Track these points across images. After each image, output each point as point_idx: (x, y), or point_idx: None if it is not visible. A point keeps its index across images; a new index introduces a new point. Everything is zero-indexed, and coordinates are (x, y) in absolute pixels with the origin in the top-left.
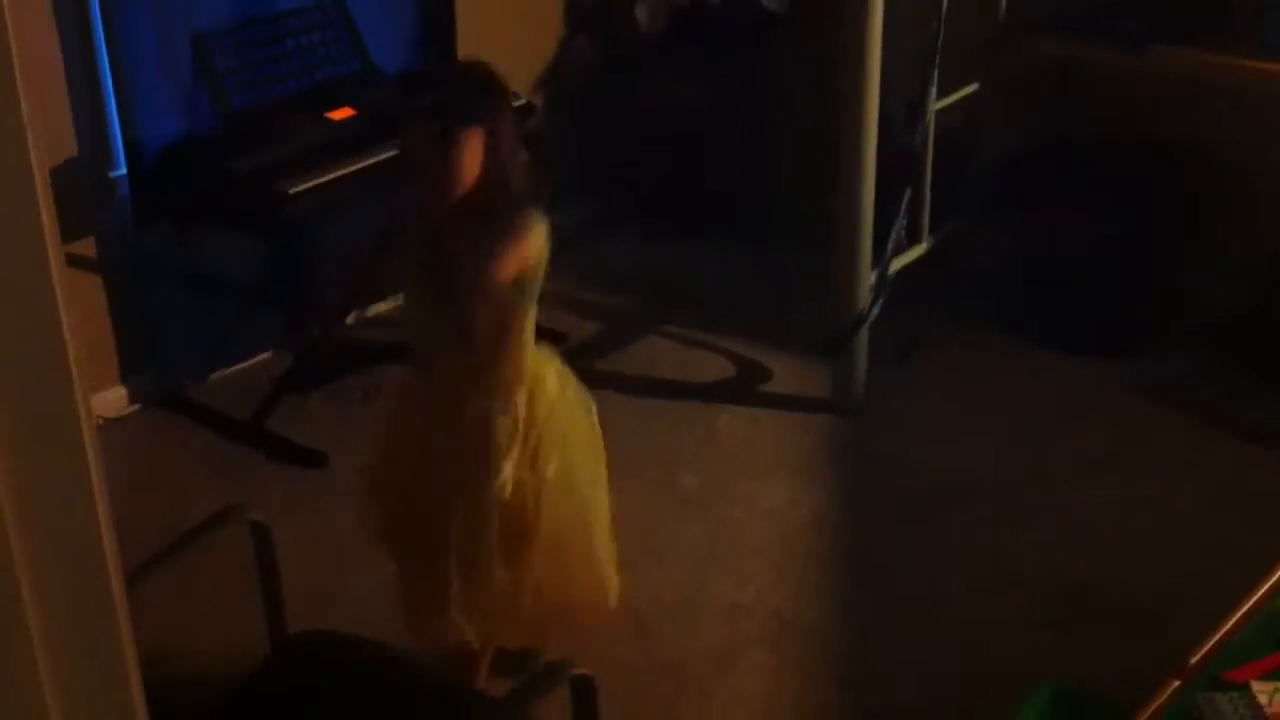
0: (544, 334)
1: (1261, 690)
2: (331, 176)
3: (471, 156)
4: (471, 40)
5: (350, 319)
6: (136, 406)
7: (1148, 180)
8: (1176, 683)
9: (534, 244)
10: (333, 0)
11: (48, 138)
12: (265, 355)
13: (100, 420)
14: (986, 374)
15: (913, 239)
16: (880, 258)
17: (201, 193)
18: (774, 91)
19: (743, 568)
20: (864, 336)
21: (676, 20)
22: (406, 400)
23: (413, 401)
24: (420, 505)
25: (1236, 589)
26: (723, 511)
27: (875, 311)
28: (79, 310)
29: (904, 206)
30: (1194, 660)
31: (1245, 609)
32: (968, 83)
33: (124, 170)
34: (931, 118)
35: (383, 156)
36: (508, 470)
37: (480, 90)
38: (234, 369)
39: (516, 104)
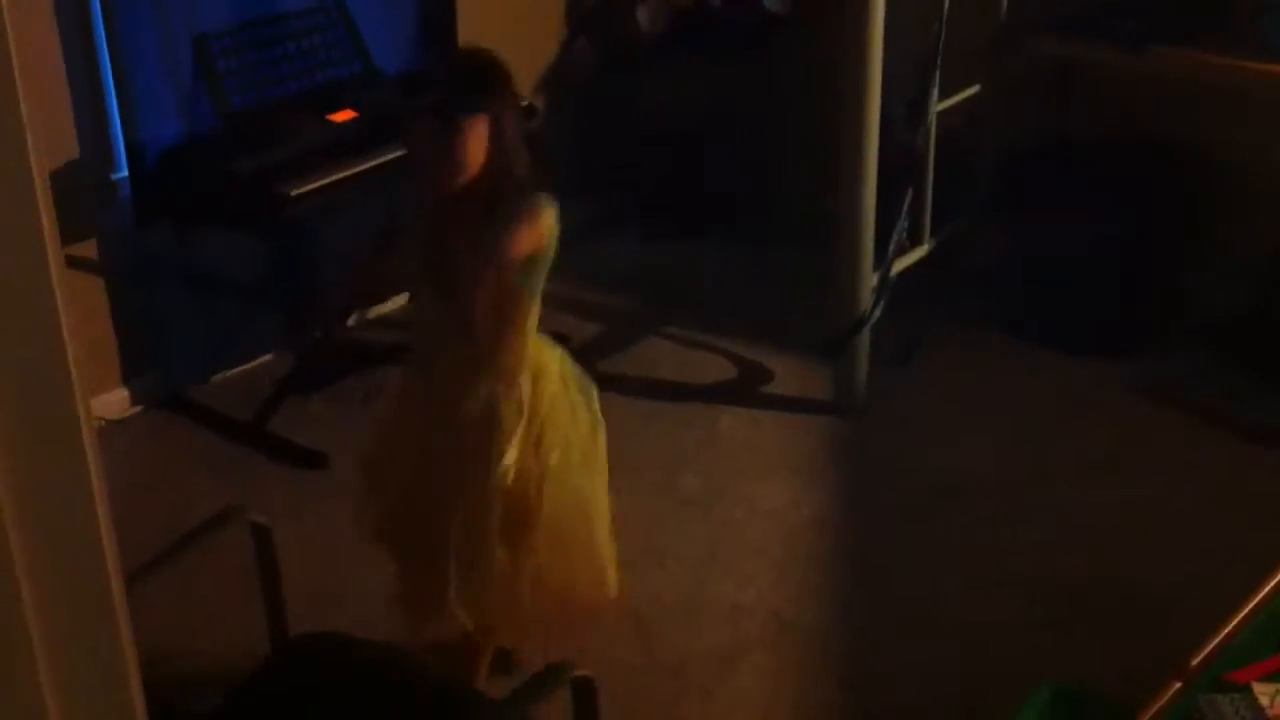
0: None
1: (1263, 692)
2: (333, 178)
3: (476, 144)
4: (472, 42)
5: (351, 320)
6: (138, 408)
7: (1148, 180)
8: (1178, 684)
9: (544, 224)
10: (334, 2)
11: (49, 139)
12: (267, 357)
13: (102, 422)
14: (987, 374)
15: (914, 240)
16: (882, 259)
17: (203, 194)
18: (775, 92)
19: (744, 569)
20: (865, 337)
21: (677, 22)
22: (406, 400)
23: (412, 401)
24: (420, 504)
25: (1237, 589)
26: (724, 512)
27: (877, 313)
28: (80, 312)
29: (905, 208)
30: (1195, 661)
31: (1246, 610)
32: (969, 84)
33: (125, 172)
34: (933, 119)
35: (384, 158)
36: (512, 455)
37: (483, 77)
38: (235, 370)
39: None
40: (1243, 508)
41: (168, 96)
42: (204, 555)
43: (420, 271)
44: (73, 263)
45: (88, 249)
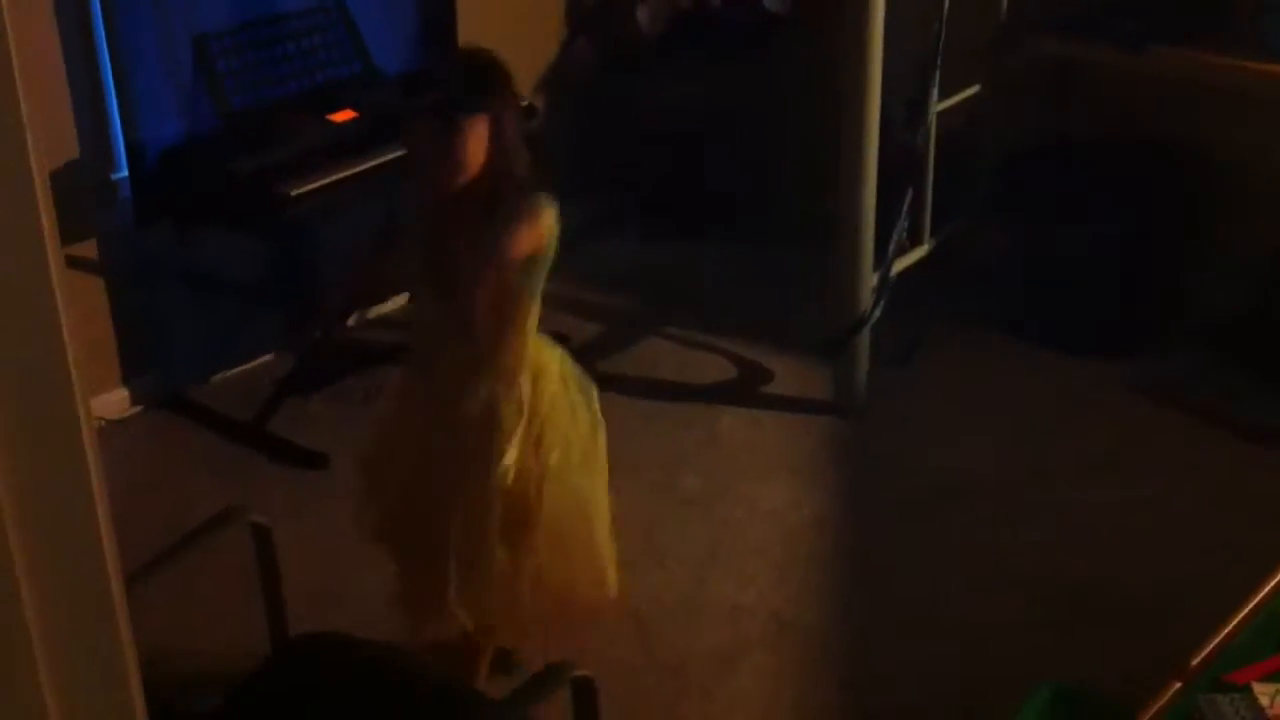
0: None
1: (1263, 692)
2: (333, 178)
3: (476, 144)
4: (472, 42)
5: (351, 320)
6: (138, 408)
7: (1148, 180)
8: (1177, 684)
9: (544, 224)
10: (334, 2)
11: (49, 139)
12: (267, 357)
13: (102, 422)
14: (987, 374)
15: (914, 241)
16: (881, 259)
17: (203, 194)
18: (775, 92)
19: (744, 569)
20: (865, 337)
21: (678, 22)
22: (406, 400)
23: (412, 401)
24: (420, 504)
25: (1237, 589)
26: (724, 513)
27: (877, 314)
28: (81, 312)
29: (905, 208)
30: (1195, 662)
31: (1246, 610)
32: (969, 84)
33: (125, 172)
34: (933, 119)
35: (384, 158)
36: (512, 455)
37: (483, 77)
38: (236, 370)
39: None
40: (1243, 508)
41: (168, 96)
42: (204, 555)
43: (420, 271)
44: (73, 263)
45: (88, 249)
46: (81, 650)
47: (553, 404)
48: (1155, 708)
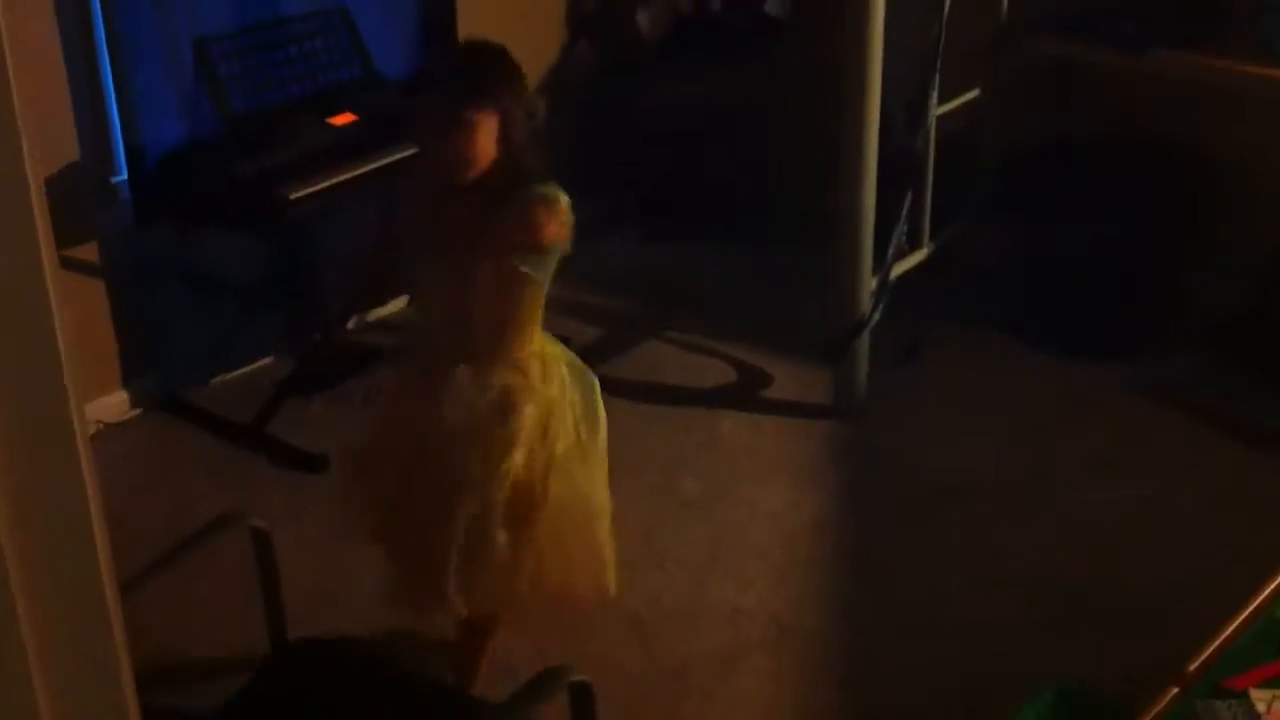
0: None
1: (1260, 698)
2: (333, 181)
3: (485, 139)
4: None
5: (351, 323)
6: (138, 410)
7: (1148, 180)
8: (1175, 690)
9: (563, 216)
10: (335, 6)
11: (49, 142)
12: (267, 359)
13: (102, 424)
14: (987, 374)
15: (914, 244)
16: (881, 262)
17: (203, 197)
18: (775, 92)
19: (744, 571)
20: (864, 340)
21: (678, 26)
22: (404, 395)
23: (410, 396)
24: (421, 497)
25: (1237, 589)
26: (724, 515)
27: (876, 318)
28: (81, 315)
29: (905, 212)
30: (1193, 667)
31: (1244, 615)
32: (969, 87)
33: (125, 176)
34: (932, 122)
35: (384, 161)
36: (521, 452)
37: (492, 71)
38: (235, 373)
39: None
40: (1243, 508)
41: (168, 99)
42: (203, 558)
43: (429, 264)
44: (73, 265)
45: (88, 251)
46: (75, 651)
47: (561, 391)
48: (1152, 713)
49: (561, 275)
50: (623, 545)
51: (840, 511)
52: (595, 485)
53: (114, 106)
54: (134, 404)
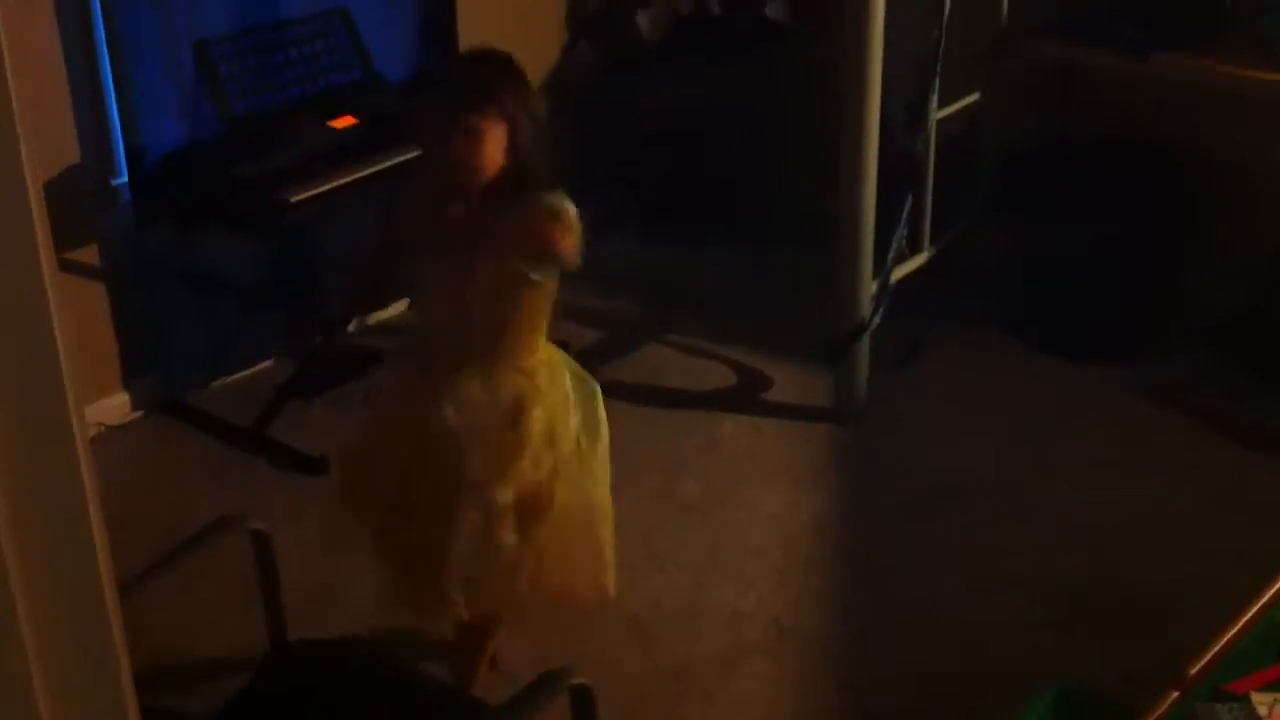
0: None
1: (1261, 702)
2: (333, 184)
3: (493, 148)
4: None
5: (352, 326)
6: (139, 413)
7: (1148, 181)
8: (1175, 694)
9: (573, 224)
10: (336, 9)
11: (50, 144)
12: (267, 362)
13: (103, 427)
14: (987, 375)
15: (914, 248)
16: (881, 265)
17: (203, 199)
18: (775, 93)
19: (744, 573)
20: (864, 343)
21: (678, 28)
22: (403, 397)
23: (410, 399)
24: (422, 499)
25: (1237, 590)
26: (724, 517)
27: (876, 321)
28: (81, 317)
29: (905, 215)
30: (1193, 671)
31: (1245, 619)
32: (969, 91)
33: (125, 177)
34: (933, 125)
35: (385, 164)
36: (529, 452)
37: (499, 79)
38: (236, 376)
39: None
40: (1243, 509)
41: (169, 101)
42: (203, 560)
43: (430, 265)
44: (73, 268)
45: (88, 254)
46: (75, 651)
47: (564, 399)
48: (1152, 717)
49: (562, 276)
50: (623, 547)
51: (840, 513)
52: (598, 489)
53: (114, 108)
54: (134, 406)
